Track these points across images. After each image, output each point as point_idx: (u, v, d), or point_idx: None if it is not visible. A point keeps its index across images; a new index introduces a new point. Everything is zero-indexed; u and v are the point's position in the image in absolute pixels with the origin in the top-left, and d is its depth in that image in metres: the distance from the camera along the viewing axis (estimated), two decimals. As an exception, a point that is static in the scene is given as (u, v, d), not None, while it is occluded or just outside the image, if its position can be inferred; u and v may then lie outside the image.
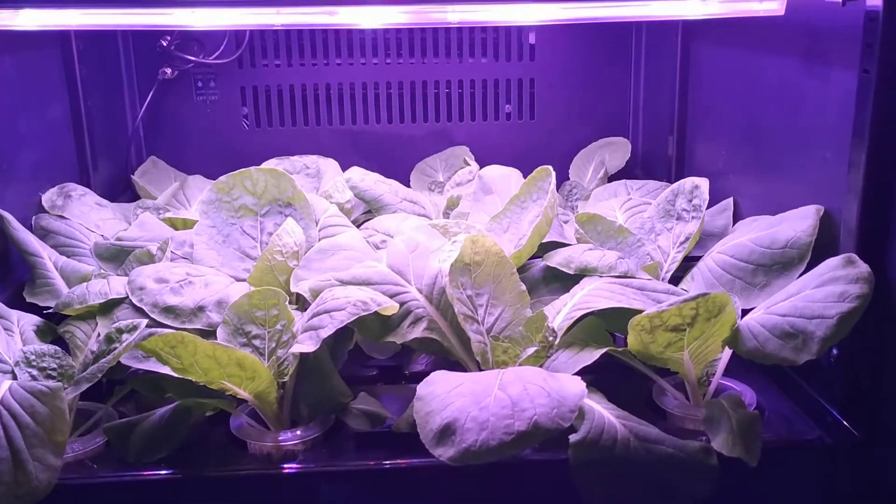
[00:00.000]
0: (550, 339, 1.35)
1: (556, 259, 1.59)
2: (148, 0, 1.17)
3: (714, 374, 1.44)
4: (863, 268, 1.29)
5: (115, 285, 1.49)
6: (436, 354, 1.46)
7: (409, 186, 2.48)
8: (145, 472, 1.30)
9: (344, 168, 2.26)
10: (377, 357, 1.63)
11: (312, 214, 1.76)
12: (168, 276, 1.49)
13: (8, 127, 1.82)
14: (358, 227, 2.04)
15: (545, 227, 1.62)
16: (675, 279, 1.71)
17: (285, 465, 1.31)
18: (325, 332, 1.28)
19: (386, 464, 1.31)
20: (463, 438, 1.14)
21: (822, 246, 1.46)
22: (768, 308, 1.35)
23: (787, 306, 1.31)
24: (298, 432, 1.35)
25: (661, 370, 1.45)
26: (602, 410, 1.30)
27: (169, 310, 1.44)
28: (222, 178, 1.77)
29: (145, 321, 1.36)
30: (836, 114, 1.43)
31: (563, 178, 2.48)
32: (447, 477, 1.29)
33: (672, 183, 2.24)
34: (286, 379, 1.37)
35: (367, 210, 2.03)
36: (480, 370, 1.42)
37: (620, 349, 1.40)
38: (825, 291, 1.29)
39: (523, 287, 1.48)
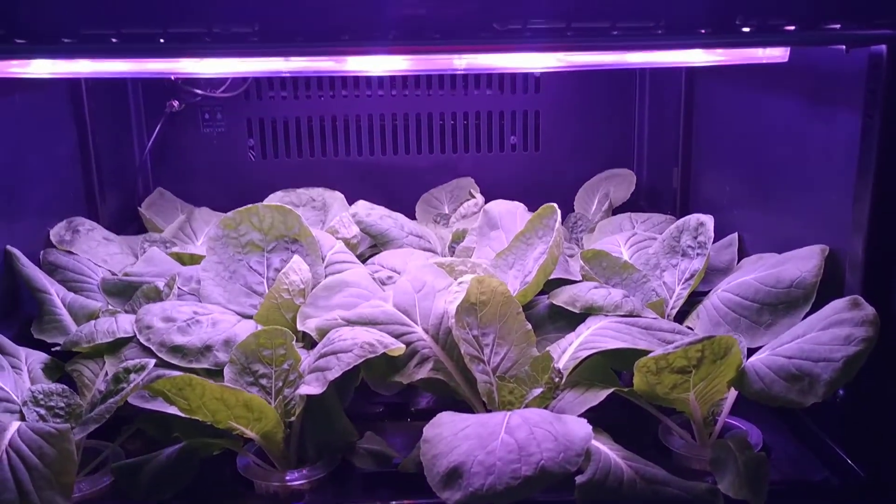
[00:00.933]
0: (556, 380, 1.36)
1: (561, 298, 1.60)
2: (156, 51, 1.19)
3: (720, 414, 1.45)
4: (868, 310, 1.29)
5: (123, 324, 1.50)
6: (441, 395, 1.46)
7: (414, 217, 2.50)
8: (155, 513, 1.30)
9: (350, 200, 2.28)
10: (383, 393, 1.63)
11: (318, 250, 1.77)
12: (175, 315, 1.50)
13: (18, 163, 1.84)
14: (364, 261, 2.05)
15: (551, 265, 1.63)
16: (682, 314, 1.71)
17: (292, 506, 1.31)
18: (332, 375, 1.29)
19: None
20: (470, 482, 1.14)
21: (828, 284, 1.47)
22: (774, 349, 1.35)
23: (793, 348, 1.31)
24: (305, 472, 1.36)
25: (667, 409, 1.45)
26: (608, 451, 1.30)
27: (176, 349, 1.45)
28: (229, 214, 1.78)
29: (153, 361, 1.37)
30: (840, 156, 1.44)
31: (567, 209, 2.50)
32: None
33: (677, 216, 2.26)
34: (293, 419, 1.37)
35: (373, 244, 2.04)
36: (486, 410, 1.42)
37: (626, 389, 1.40)
38: (831, 334, 1.29)
39: (529, 326, 1.49)
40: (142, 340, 1.46)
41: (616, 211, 2.39)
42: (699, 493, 1.25)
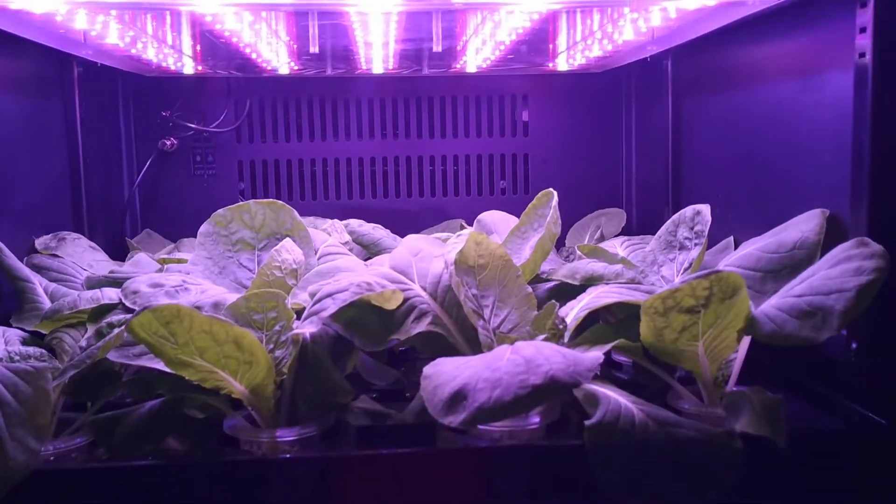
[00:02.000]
0: (560, 327, 1.30)
1: (561, 272, 1.56)
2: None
3: (730, 376, 1.39)
4: (876, 247, 1.26)
5: (108, 293, 1.45)
6: (440, 352, 1.39)
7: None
8: (130, 463, 1.20)
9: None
10: (377, 383, 1.56)
11: (312, 244, 1.73)
12: (163, 282, 1.45)
13: (7, 164, 1.82)
14: (355, 274, 2.01)
15: (548, 242, 1.60)
16: (682, 303, 1.67)
17: (281, 455, 1.22)
18: (328, 312, 1.24)
19: (386, 451, 1.22)
20: (475, 399, 1.07)
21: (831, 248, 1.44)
22: (784, 294, 1.31)
23: (802, 287, 1.28)
24: (296, 430, 1.28)
25: (675, 372, 1.40)
26: (618, 397, 1.24)
27: (163, 311, 1.39)
28: (220, 210, 1.76)
29: (138, 314, 1.31)
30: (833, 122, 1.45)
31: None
32: (455, 462, 1.20)
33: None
34: (284, 376, 1.30)
35: (367, 256, 2.00)
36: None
37: (632, 344, 1.35)
38: (840, 269, 1.26)
39: (529, 289, 1.44)
40: (127, 304, 1.40)
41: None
42: (715, 434, 1.18)
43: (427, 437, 1.21)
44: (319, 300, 1.29)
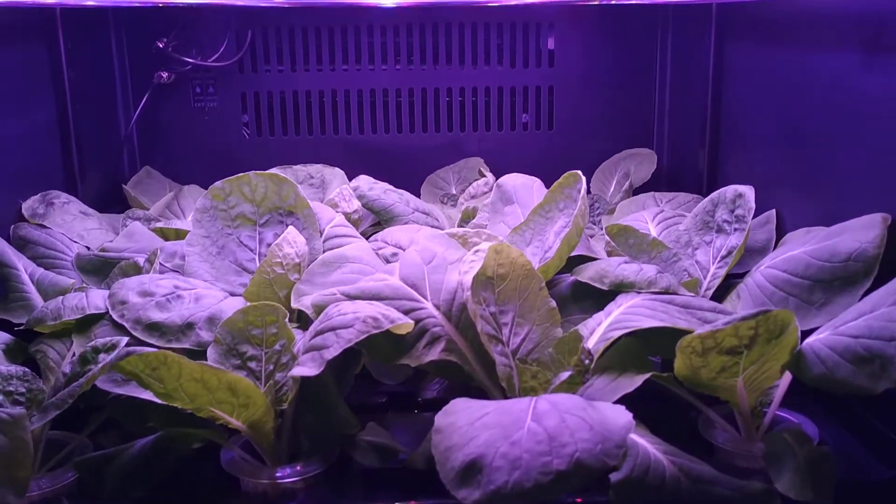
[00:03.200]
0: (586, 362, 1.19)
1: (587, 273, 1.43)
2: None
3: (770, 405, 1.28)
4: (948, 284, 1.12)
5: (94, 299, 1.33)
6: (454, 380, 1.29)
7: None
8: (123, 513, 1.13)
9: (350, 179, 2.10)
10: (387, 382, 1.47)
11: (316, 224, 1.60)
12: (153, 290, 1.33)
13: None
14: (366, 238, 1.88)
15: (575, 237, 1.46)
16: (717, 298, 1.54)
17: (283, 506, 1.14)
18: (330, 354, 1.12)
19: (399, 506, 1.14)
20: (491, 479, 0.96)
21: (891, 259, 1.30)
22: (836, 328, 1.18)
23: (859, 326, 1.14)
24: (298, 468, 1.19)
25: (708, 398, 1.29)
26: (647, 445, 1.13)
27: (154, 327, 1.28)
28: (218, 183, 1.62)
29: (125, 339, 1.19)
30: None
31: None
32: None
33: (704, 197, 2.09)
34: (285, 406, 1.20)
35: (375, 222, 1.87)
36: (506, 397, 1.25)
37: (664, 374, 1.23)
38: (905, 309, 1.12)
39: (552, 303, 1.32)
40: (115, 317, 1.29)
41: (636, 192, 2.22)
42: (752, 494, 1.08)
43: (439, 488, 1.11)
44: (322, 332, 1.17)
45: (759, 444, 1.25)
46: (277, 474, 1.18)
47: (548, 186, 2.23)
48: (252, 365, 1.25)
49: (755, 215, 1.70)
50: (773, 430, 1.29)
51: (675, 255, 1.61)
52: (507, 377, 1.23)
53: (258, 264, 1.58)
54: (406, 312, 1.26)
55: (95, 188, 2.14)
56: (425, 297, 1.28)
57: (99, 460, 1.16)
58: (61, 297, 1.35)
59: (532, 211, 1.62)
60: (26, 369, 1.25)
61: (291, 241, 1.45)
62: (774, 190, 1.77)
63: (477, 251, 1.24)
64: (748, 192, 1.59)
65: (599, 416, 1.03)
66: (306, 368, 1.13)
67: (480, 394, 1.28)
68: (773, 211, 1.73)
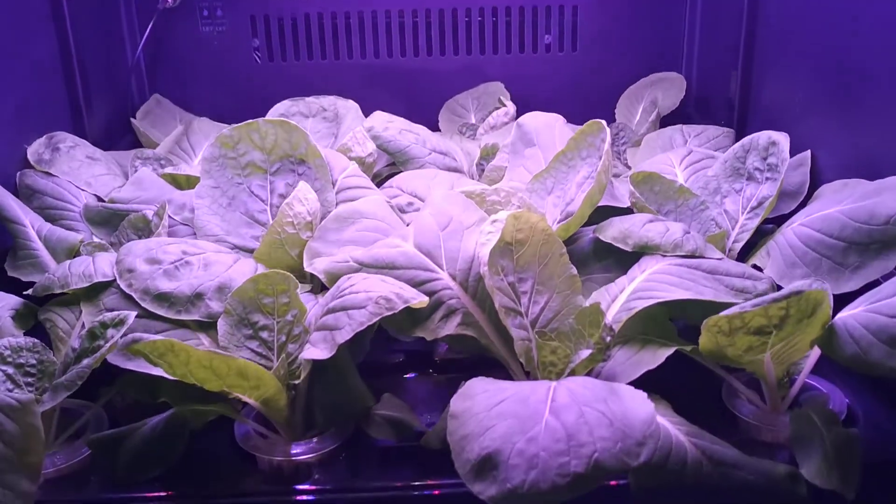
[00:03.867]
0: (607, 339, 1.14)
1: (610, 233, 1.37)
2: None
3: (798, 375, 1.24)
4: None
5: (102, 265, 1.29)
6: (472, 351, 1.25)
7: (437, 127, 2.25)
8: (136, 493, 1.12)
9: (366, 109, 2.03)
10: (403, 339, 1.43)
11: (328, 174, 1.54)
12: (160, 256, 1.29)
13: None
14: (381, 182, 1.82)
15: (598, 194, 1.40)
16: (745, 251, 1.48)
17: (299, 486, 1.13)
18: (342, 337, 1.08)
19: (415, 486, 1.12)
20: (507, 476, 0.94)
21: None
22: (871, 303, 1.12)
23: (896, 305, 1.09)
24: (313, 443, 1.17)
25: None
26: (668, 426, 1.10)
27: (162, 297, 1.24)
28: (226, 130, 1.55)
29: (133, 313, 1.17)
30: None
31: (608, 118, 2.23)
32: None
33: (734, 127, 2.00)
34: (298, 381, 1.17)
35: (391, 162, 1.81)
36: (524, 370, 1.22)
37: (689, 347, 1.19)
38: (947, 288, 1.06)
39: (573, 270, 1.26)
40: (123, 286, 1.26)
41: (664, 121, 2.13)
42: (777, 479, 1.06)
43: (455, 469, 1.09)
44: (334, 310, 1.13)
45: (785, 416, 1.21)
46: (292, 451, 1.16)
47: (569, 110, 2.15)
48: (264, 335, 1.23)
49: (791, 154, 1.62)
50: (800, 400, 1.26)
51: (703, 204, 1.55)
52: (526, 351, 1.19)
53: (270, 215, 1.54)
54: (420, 283, 1.22)
55: (103, 122, 2.07)
56: (441, 267, 1.24)
57: (111, 439, 1.15)
58: (68, 263, 1.31)
59: (554, 157, 1.55)
60: (36, 340, 1.23)
61: (303, 198, 1.40)
62: (810, 121, 1.67)
63: (494, 221, 1.18)
64: (782, 140, 1.51)
65: (620, 407, 0.99)
66: (318, 351, 1.10)
67: (498, 364, 1.26)
68: (808, 153, 1.64)
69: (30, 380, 1.22)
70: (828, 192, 1.45)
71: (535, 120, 1.72)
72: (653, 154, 1.93)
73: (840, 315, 1.14)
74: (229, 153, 1.55)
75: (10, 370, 1.21)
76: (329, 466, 1.16)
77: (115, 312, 1.18)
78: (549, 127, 1.70)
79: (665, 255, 1.31)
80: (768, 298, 1.06)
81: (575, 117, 2.15)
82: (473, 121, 2.22)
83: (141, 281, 1.25)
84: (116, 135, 2.11)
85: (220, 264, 1.30)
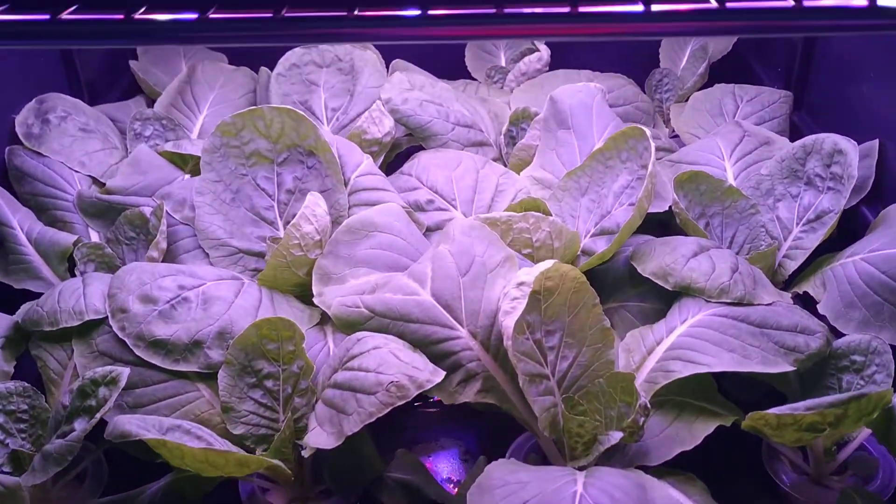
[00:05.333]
0: (640, 421, 1.04)
1: (650, 267, 1.23)
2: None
3: (848, 444, 1.14)
4: None
5: (93, 298, 1.19)
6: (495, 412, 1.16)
7: (464, 65, 2.07)
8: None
9: (384, 55, 1.85)
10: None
11: (340, 171, 1.40)
12: (156, 294, 1.18)
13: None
14: (400, 154, 1.68)
15: (638, 220, 1.25)
16: (798, 274, 1.35)
17: (305, 562, 1.07)
18: (350, 428, 0.99)
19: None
20: None
21: None
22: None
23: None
24: (320, 509, 1.11)
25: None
26: (702, 518, 1.02)
27: (158, 344, 1.15)
28: (227, 118, 1.40)
29: (126, 372, 1.07)
30: None
31: (650, 61, 2.03)
32: None
33: (794, 79, 1.80)
34: (305, 454, 1.09)
35: (409, 132, 1.64)
36: (550, 437, 1.13)
37: (730, 421, 1.09)
38: None
39: (607, 322, 1.14)
40: (115, 329, 1.16)
41: (714, 69, 1.92)
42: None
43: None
44: (341, 387, 1.03)
45: (829, 490, 1.12)
46: (299, 518, 1.10)
47: (609, 53, 1.96)
48: (269, 384, 1.14)
49: (857, 135, 1.43)
50: (846, 466, 1.16)
51: (753, 207, 1.40)
52: (552, 422, 1.09)
53: (277, 214, 1.41)
54: (438, 342, 1.11)
55: (97, 63, 1.90)
56: (461, 323, 1.12)
57: (109, 508, 1.09)
58: (57, 293, 1.21)
59: (591, 155, 1.40)
60: (26, 384, 1.15)
61: (310, 215, 1.27)
62: (888, 103, 1.48)
63: (521, 284, 1.05)
64: (850, 149, 1.34)
65: (652, 533, 0.90)
66: (324, 437, 1.02)
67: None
68: (876, 142, 1.47)
69: (22, 426, 1.15)
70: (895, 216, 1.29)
71: (571, 97, 1.54)
72: (699, 118, 1.76)
73: (903, 394, 1.02)
74: (232, 141, 1.41)
75: (2, 419, 1.14)
76: (338, 540, 1.10)
77: (108, 369, 1.09)
78: (585, 108, 1.53)
79: (709, 300, 1.18)
80: (825, 402, 0.94)
81: (615, 58, 1.96)
82: (503, 62, 2.02)
83: (135, 325, 1.15)
84: (113, 75, 1.94)
85: (220, 301, 1.19)
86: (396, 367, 1.02)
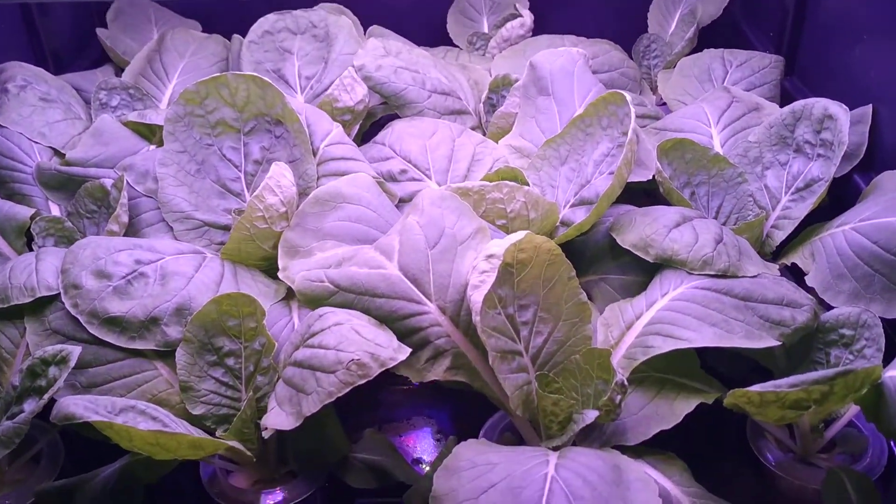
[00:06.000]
0: (617, 399, 0.99)
1: (630, 238, 1.18)
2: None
3: (836, 422, 1.09)
4: None
5: (45, 274, 1.13)
6: (466, 389, 1.10)
7: (445, 31, 2.00)
8: (90, 552, 1.02)
9: (363, 21, 1.78)
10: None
11: (308, 141, 1.34)
12: (111, 269, 1.12)
13: None
14: (374, 123, 1.62)
15: (617, 189, 1.20)
16: (786, 244, 1.29)
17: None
18: (309, 408, 0.94)
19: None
20: None
21: None
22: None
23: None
24: (284, 494, 1.06)
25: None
26: (681, 497, 0.98)
27: (112, 322, 1.09)
28: (191, 86, 1.34)
29: (77, 350, 1.02)
30: None
31: (640, 26, 1.96)
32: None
33: (785, 45, 1.74)
34: (266, 436, 1.04)
35: (384, 100, 1.58)
36: (526, 420, 1.07)
37: (711, 398, 1.04)
38: None
39: (583, 296, 1.09)
40: (68, 306, 1.10)
41: (703, 34, 1.86)
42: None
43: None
44: (301, 364, 0.98)
45: (815, 469, 1.08)
46: (262, 501, 1.05)
47: (597, 15, 1.90)
48: (230, 362, 1.09)
49: (849, 100, 1.37)
50: (835, 441, 1.11)
51: (740, 176, 1.34)
52: (525, 401, 1.04)
53: (244, 184, 1.36)
54: (405, 318, 1.05)
55: (64, 28, 1.83)
56: (429, 297, 1.06)
57: (61, 492, 1.04)
58: (8, 269, 1.15)
59: (571, 122, 1.34)
60: (-25, 365, 1.10)
61: (275, 186, 1.21)
62: (879, 66, 1.41)
63: (490, 256, 0.99)
64: (841, 114, 1.28)
65: (625, 514, 0.86)
66: (283, 417, 0.96)
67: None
68: (869, 108, 1.41)
69: (-28, 407, 1.10)
70: (890, 186, 1.23)
71: (552, 62, 1.48)
72: (687, 84, 1.69)
73: (891, 373, 0.97)
74: (196, 110, 1.35)
75: (-48, 399, 1.08)
76: (303, 525, 1.05)
77: (58, 347, 1.04)
78: (565, 73, 1.47)
79: (692, 272, 1.13)
80: (810, 379, 0.89)
81: (601, 24, 1.90)
82: (486, 28, 1.96)
83: (88, 301, 1.10)
84: (80, 41, 1.87)
85: (179, 276, 1.14)
86: (358, 344, 0.96)
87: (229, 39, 1.83)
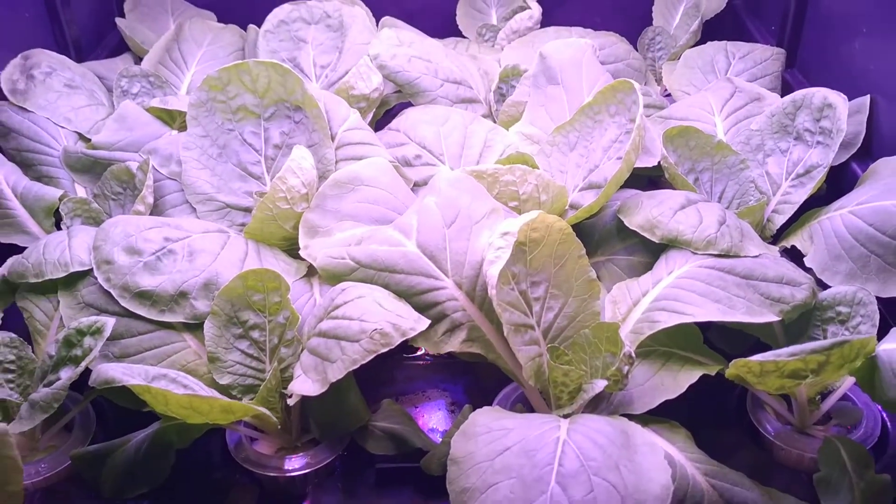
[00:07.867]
0: (625, 370, 1.04)
1: (636, 219, 1.23)
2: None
3: (831, 394, 1.14)
4: None
5: (78, 250, 1.19)
6: (480, 361, 1.16)
7: (454, 23, 2.05)
8: (123, 509, 1.08)
9: (374, 12, 1.83)
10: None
11: (327, 126, 1.39)
12: (141, 246, 1.17)
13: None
14: (389, 111, 1.67)
15: (626, 172, 1.25)
16: (786, 228, 1.35)
17: (292, 508, 1.08)
18: (334, 374, 0.99)
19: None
20: (507, 553, 0.88)
21: None
22: (922, 338, 1.01)
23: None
24: (307, 459, 1.11)
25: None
26: (685, 463, 1.03)
27: (143, 295, 1.14)
28: (213, 72, 1.39)
29: (111, 322, 1.08)
30: None
31: (644, 19, 2.01)
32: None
33: (786, 38, 1.79)
34: (290, 403, 1.09)
35: (398, 89, 1.63)
36: (538, 392, 1.13)
37: (714, 370, 1.09)
38: None
39: (592, 273, 1.14)
40: (100, 280, 1.16)
41: (707, 27, 1.91)
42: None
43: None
44: (325, 335, 1.03)
45: (812, 439, 1.13)
46: (286, 465, 1.11)
47: (603, 9, 1.95)
48: (255, 335, 1.14)
49: (848, 90, 1.43)
50: (831, 413, 1.17)
51: (743, 163, 1.40)
52: (537, 372, 1.10)
53: (264, 167, 1.41)
54: (423, 292, 1.11)
55: (84, 17, 1.88)
56: (445, 273, 1.12)
57: (95, 456, 1.09)
58: (42, 244, 1.20)
59: (580, 109, 1.39)
60: (13, 336, 1.16)
61: (296, 168, 1.26)
62: (877, 57, 1.46)
63: (505, 234, 1.05)
64: (840, 103, 1.33)
65: (633, 479, 0.91)
66: (309, 384, 1.02)
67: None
68: (867, 98, 1.46)
69: (10, 376, 1.16)
70: (886, 172, 1.29)
71: (561, 53, 1.53)
72: (691, 75, 1.75)
73: (884, 347, 1.03)
74: (218, 96, 1.40)
75: (-10, 369, 1.14)
76: (324, 481, 1.11)
77: (93, 318, 1.09)
78: (574, 63, 1.52)
79: (696, 252, 1.18)
80: (808, 349, 0.95)
81: (607, 17, 1.95)
82: (494, 20, 2.01)
83: (120, 276, 1.15)
84: (100, 30, 1.92)
85: (206, 253, 1.19)
86: (380, 315, 1.02)
87: (244, 29, 1.88)
